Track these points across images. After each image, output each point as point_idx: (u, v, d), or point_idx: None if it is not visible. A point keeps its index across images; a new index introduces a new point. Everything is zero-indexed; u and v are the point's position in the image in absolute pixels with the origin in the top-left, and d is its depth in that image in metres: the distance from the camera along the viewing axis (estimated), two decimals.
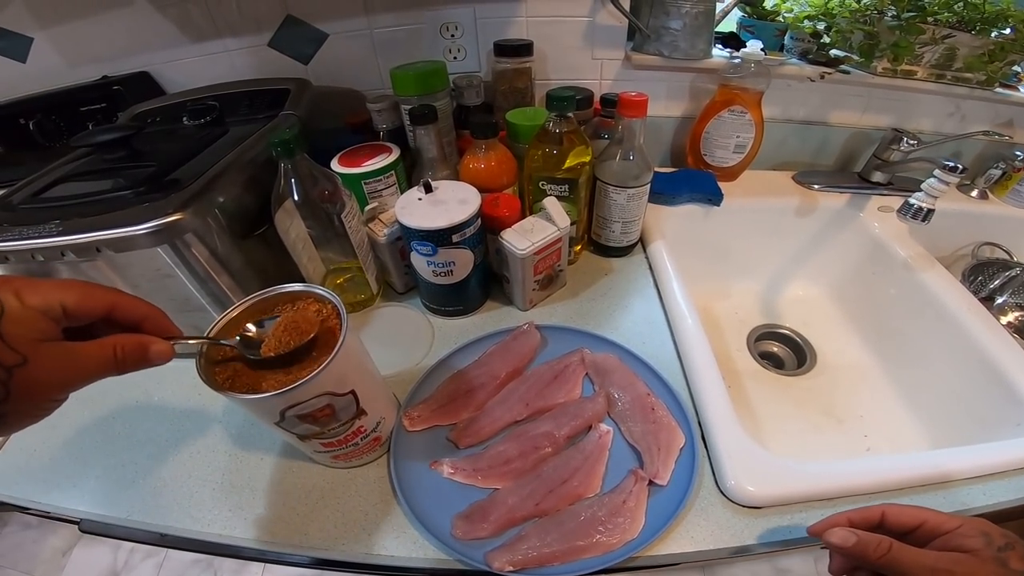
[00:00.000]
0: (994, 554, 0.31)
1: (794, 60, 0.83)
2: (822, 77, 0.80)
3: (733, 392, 0.75)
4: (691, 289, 0.66)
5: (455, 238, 0.54)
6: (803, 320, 0.88)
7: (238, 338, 0.38)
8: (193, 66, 0.78)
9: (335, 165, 0.62)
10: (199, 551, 0.50)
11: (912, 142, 0.78)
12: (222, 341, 0.38)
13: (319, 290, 0.42)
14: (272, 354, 0.37)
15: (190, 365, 0.36)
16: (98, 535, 0.58)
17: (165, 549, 1.33)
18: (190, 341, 0.36)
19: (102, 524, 0.51)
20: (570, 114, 0.58)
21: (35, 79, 0.78)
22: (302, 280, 0.60)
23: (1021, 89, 0.84)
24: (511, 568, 0.41)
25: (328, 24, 0.76)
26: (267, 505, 0.47)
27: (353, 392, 0.41)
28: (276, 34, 0.77)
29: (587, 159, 0.61)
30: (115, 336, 0.31)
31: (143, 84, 0.78)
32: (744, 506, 0.46)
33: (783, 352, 0.85)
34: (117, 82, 0.75)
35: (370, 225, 0.61)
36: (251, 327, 0.39)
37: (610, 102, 0.67)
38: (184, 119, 0.67)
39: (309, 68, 0.79)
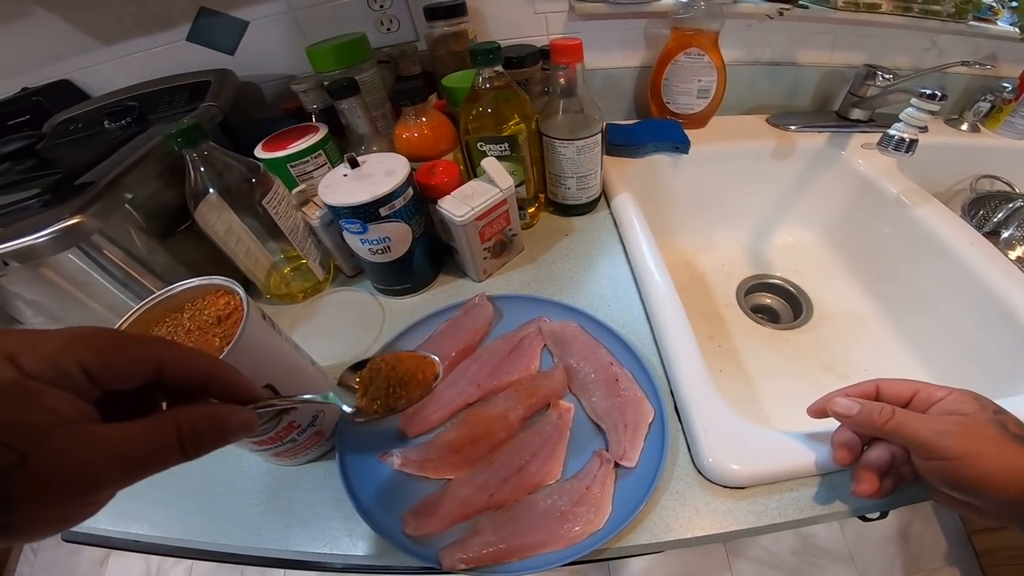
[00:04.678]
0: (991, 416, 0.31)
1: None
2: (780, 14, 0.75)
3: (724, 351, 0.71)
4: (671, 243, 0.59)
5: (383, 211, 0.49)
6: (795, 268, 0.82)
7: (332, 396, 0.34)
8: (114, 69, 0.73)
9: (258, 151, 0.58)
10: (167, 555, 0.49)
11: (887, 76, 0.73)
12: (313, 398, 0.33)
13: (220, 280, 0.38)
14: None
15: None
16: (80, 543, 0.56)
17: None
18: (277, 404, 0.29)
19: (81, 533, 0.49)
20: (498, 68, 0.53)
21: None
22: (242, 276, 0.57)
23: (999, 23, 0.79)
24: (464, 566, 0.37)
25: (246, 11, 0.71)
26: (220, 507, 0.45)
27: (271, 387, 0.36)
28: (192, 28, 0.72)
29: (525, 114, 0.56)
30: (176, 410, 0.23)
31: (65, 92, 0.73)
32: (726, 487, 0.40)
33: (777, 304, 0.80)
34: (37, 92, 0.71)
35: (303, 209, 0.57)
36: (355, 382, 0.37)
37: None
38: (105, 123, 0.63)
39: (236, 58, 0.75)
